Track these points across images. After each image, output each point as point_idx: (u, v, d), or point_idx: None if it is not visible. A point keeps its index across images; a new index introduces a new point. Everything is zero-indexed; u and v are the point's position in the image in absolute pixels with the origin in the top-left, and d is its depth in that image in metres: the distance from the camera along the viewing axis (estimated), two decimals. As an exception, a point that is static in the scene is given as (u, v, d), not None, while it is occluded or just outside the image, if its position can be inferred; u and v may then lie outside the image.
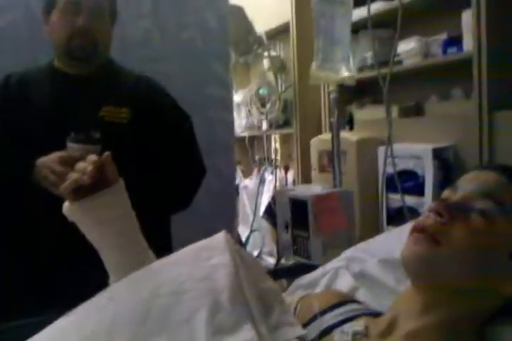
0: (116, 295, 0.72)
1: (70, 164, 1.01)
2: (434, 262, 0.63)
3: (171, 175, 1.31)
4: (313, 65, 1.56)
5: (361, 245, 1.08)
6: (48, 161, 1.09)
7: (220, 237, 0.76)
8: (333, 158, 1.58)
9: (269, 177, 2.70)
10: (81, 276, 1.14)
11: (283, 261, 1.66)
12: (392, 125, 1.59)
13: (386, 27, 2.16)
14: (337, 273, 1.01)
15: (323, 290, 0.96)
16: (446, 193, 0.70)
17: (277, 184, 2.59)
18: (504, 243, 0.62)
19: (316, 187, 1.50)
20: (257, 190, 2.44)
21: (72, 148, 1.09)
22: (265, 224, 2.55)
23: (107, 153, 0.83)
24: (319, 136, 2.36)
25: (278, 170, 2.74)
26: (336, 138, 1.58)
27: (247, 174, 3.17)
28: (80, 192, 0.80)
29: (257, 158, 3.14)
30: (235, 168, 2.34)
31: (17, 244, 1.24)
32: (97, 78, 1.31)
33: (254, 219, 2.34)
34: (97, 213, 0.82)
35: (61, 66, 1.32)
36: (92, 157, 0.82)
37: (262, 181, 2.68)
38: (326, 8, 1.56)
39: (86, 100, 1.27)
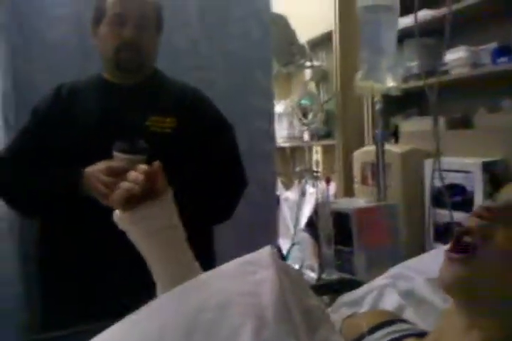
0: (162, 308, 0.72)
1: (117, 174, 1.03)
2: (473, 279, 0.61)
3: (212, 186, 1.30)
4: (358, 75, 1.54)
5: (408, 262, 1.05)
6: (96, 171, 1.10)
7: (266, 252, 0.75)
8: (377, 170, 1.55)
9: (310, 189, 2.67)
10: (130, 287, 1.15)
11: (325, 276, 1.63)
12: (439, 137, 1.54)
13: (432, 36, 2.12)
14: (383, 291, 0.99)
15: (370, 310, 0.93)
16: (486, 203, 0.67)
17: (319, 196, 2.55)
18: None
19: (360, 200, 1.47)
20: (298, 202, 2.41)
21: (119, 157, 1.10)
22: (307, 237, 2.52)
23: (157, 163, 0.83)
24: (362, 148, 2.32)
25: (319, 182, 2.70)
26: (380, 151, 1.54)
27: (288, 186, 3.14)
28: (131, 201, 0.81)
29: (298, 169, 3.11)
30: (276, 178, 2.33)
31: (67, 253, 1.25)
32: (143, 88, 1.33)
33: (295, 232, 2.32)
34: (146, 223, 0.82)
35: (109, 77, 1.34)
36: (143, 167, 0.82)
37: (303, 193, 2.65)
38: (372, 15, 1.54)
39: (133, 110, 1.28)
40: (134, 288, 1.06)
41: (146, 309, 0.73)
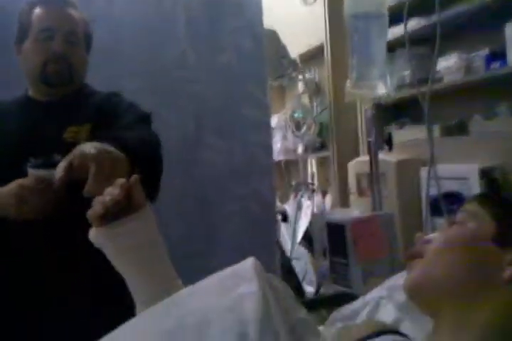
0: (140, 327, 0.68)
1: (28, 192, 1.01)
2: (426, 276, 0.68)
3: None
4: (348, 83, 1.52)
5: (405, 273, 1.00)
6: (4, 191, 1.04)
7: (248, 264, 0.71)
8: (371, 180, 1.51)
9: (306, 202, 2.63)
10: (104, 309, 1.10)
11: (323, 289, 1.58)
12: (434, 145, 1.51)
13: (424, 44, 2.10)
14: (379, 303, 0.95)
15: (365, 320, 0.89)
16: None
17: (315, 209, 2.51)
18: (481, 234, 0.68)
19: (355, 211, 1.43)
20: (295, 216, 2.37)
21: (33, 174, 1.05)
22: (304, 252, 2.48)
23: (134, 176, 0.80)
24: (357, 159, 2.29)
25: (315, 194, 2.67)
26: (374, 159, 1.50)
27: (283, 199, 3.11)
28: (107, 216, 0.78)
29: (293, 182, 3.08)
30: (275, 193, 2.29)
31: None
32: (65, 101, 1.28)
33: (292, 246, 2.27)
34: (124, 239, 0.79)
35: (34, 94, 1.29)
36: (121, 180, 0.80)
37: (299, 207, 2.62)
38: (361, 23, 1.53)
39: (52, 124, 1.23)
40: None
41: (123, 329, 0.69)
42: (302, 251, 2.47)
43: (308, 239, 2.29)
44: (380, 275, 1.24)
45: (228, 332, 0.60)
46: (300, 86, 2.95)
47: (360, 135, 2.43)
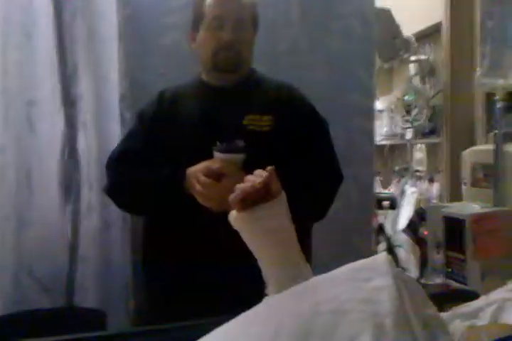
0: (278, 309, 0.73)
1: (214, 174, 1.13)
2: None
3: (311, 182, 1.27)
4: (478, 71, 1.44)
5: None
6: (195, 171, 1.16)
7: (381, 258, 0.73)
8: (495, 173, 1.44)
9: (410, 189, 2.56)
10: (232, 284, 1.16)
11: (423, 280, 1.56)
12: None
13: None
14: (504, 305, 0.91)
15: (494, 322, 0.87)
16: None
17: (420, 197, 2.44)
18: None
19: (475, 205, 1.37)
20: (398, 203, 2.32)
21: (218, 157, 1.16)
22: (405, 239, 2.43)
23: (271, 167, 0.87)
24: (474, 148, 2.16)
25: (421, 182, 2.59)
26: (499, 152, 1.43)
27: (385, 184, 3.06)
28: (247, 202, 0.85)
29: (397, 168, 3.01)
30: (374, 178, 2.25)
31: (171, 254, 1.26)
32: (240, 88, 1.35)
33: (394, 234, 2.24)
34: (261, 223, 0.86)
35: (207, 79, 1.37)
36: (260, 171, 0.87)
37: (402, 193, 2.56)
38: (495, 8, 1.44)
39: (231, 110, 1.30)
40: (236, 286, 1.07)
41: (261, 308, 0.74)
42: (402, 237, 2.43)
43: (412, 227, 2.24)
44: (499, 274, 1.20)
45: (365, 322, 0.62)
46: (412, 67, 2.82)
47: (479, 122, 2.28)
